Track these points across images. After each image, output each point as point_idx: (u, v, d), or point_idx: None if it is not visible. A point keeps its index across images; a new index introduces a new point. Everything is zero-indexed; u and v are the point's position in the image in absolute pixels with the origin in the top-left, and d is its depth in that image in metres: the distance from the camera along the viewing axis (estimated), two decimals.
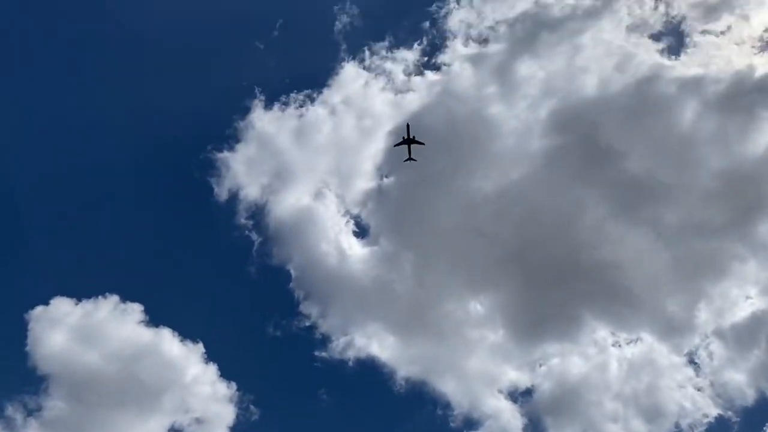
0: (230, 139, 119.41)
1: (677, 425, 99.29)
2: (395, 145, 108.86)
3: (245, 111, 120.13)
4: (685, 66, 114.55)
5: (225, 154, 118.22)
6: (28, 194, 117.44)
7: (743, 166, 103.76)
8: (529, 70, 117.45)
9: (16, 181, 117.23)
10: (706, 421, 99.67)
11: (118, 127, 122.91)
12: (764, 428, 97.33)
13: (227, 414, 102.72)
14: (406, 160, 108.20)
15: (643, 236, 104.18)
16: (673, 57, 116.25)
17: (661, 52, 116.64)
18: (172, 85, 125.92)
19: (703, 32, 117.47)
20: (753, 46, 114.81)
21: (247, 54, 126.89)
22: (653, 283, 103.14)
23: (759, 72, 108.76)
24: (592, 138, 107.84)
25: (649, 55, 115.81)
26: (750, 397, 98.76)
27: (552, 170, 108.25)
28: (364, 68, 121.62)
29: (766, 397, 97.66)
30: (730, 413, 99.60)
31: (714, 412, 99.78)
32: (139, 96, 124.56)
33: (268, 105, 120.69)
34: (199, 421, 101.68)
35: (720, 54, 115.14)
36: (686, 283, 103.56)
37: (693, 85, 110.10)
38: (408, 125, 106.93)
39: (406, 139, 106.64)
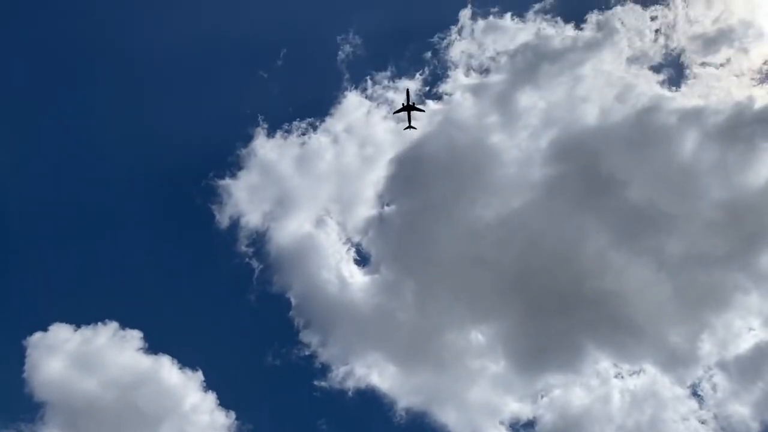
0: (232, 166, 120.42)
1: None
2: (395, 113, 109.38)
3: (248, 138, 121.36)
4: (686, 97, 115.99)
5: (227, 181, 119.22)
6: (28, 219, 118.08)
7: (744, 197, 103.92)
8: (530, 100, 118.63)
9: (16, 206, 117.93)
10: None
11: (121, 153, 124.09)
12: None
13: None
14: (406, 128, 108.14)
15: (645, 266, 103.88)
16: (674, 88, 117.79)
17: (662, 83, 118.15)
18: (175, 112, 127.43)
19: (703, 64, 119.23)
20: (752, 78, 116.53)
21: (250, 82, 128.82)
22: (656, 314, 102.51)
23: (758, 103, 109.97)
24: (593, 168, 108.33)
25: (649, 86, 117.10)
26: (754, 429, 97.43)
27: (553, 199, 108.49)
28: (366, 97, 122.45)
29: None
30: None
31: None
32: (143, 123, 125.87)
33: (270, 133, 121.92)
34: None
35: (720, 85, 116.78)
36: (689, 314, 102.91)
37: (693, 116, 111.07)
38: (408, 90, 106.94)
39: (406, 106, 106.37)
